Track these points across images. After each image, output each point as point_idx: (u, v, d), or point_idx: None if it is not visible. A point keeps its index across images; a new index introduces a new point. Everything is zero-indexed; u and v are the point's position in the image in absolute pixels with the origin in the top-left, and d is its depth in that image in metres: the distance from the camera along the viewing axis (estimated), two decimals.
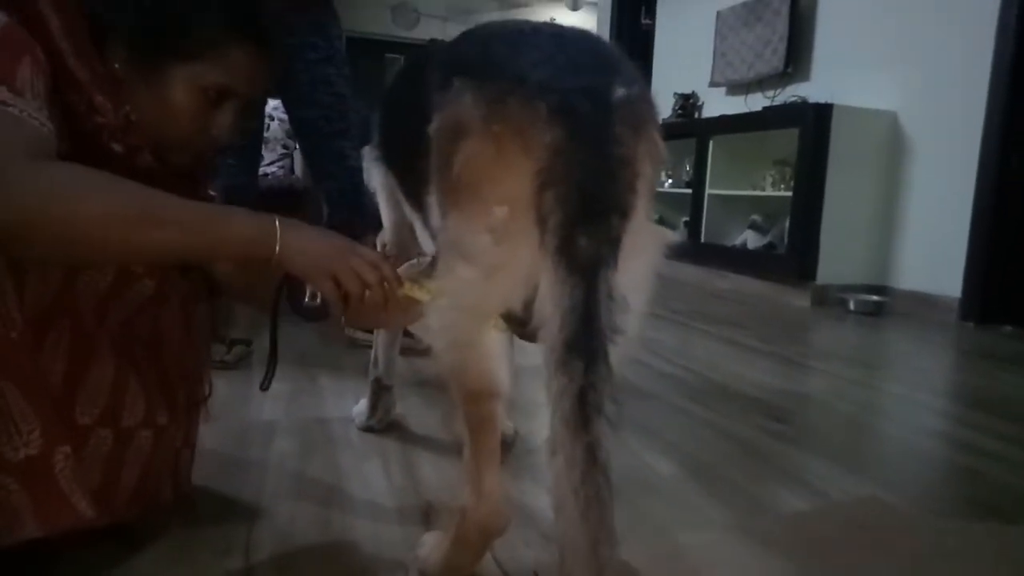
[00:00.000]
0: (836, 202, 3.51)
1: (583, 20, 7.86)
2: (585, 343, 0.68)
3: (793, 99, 3.99)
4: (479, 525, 0.85)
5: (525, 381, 1.51)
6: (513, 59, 0.75)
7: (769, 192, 4.04)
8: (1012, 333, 3.01)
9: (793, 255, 3.63)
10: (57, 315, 0.82)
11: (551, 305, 0.69)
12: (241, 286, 1.11)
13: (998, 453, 1.51)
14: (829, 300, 3.53)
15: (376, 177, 1.25)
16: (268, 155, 4.08)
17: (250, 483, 1.19)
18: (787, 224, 3.73)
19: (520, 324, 0.76)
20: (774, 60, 4.15)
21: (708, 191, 4.28)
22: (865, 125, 3.54)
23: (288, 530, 1.04)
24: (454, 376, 0.83)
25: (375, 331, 1.49)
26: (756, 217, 4.22)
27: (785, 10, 4.04)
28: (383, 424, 1.47)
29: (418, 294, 0.89)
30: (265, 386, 1.03)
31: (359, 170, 2.17)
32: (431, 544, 0.95)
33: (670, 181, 4.86)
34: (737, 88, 4.61)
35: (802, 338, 2.88)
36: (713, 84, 4.72)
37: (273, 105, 3.71)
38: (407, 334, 2.11)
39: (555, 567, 0.94)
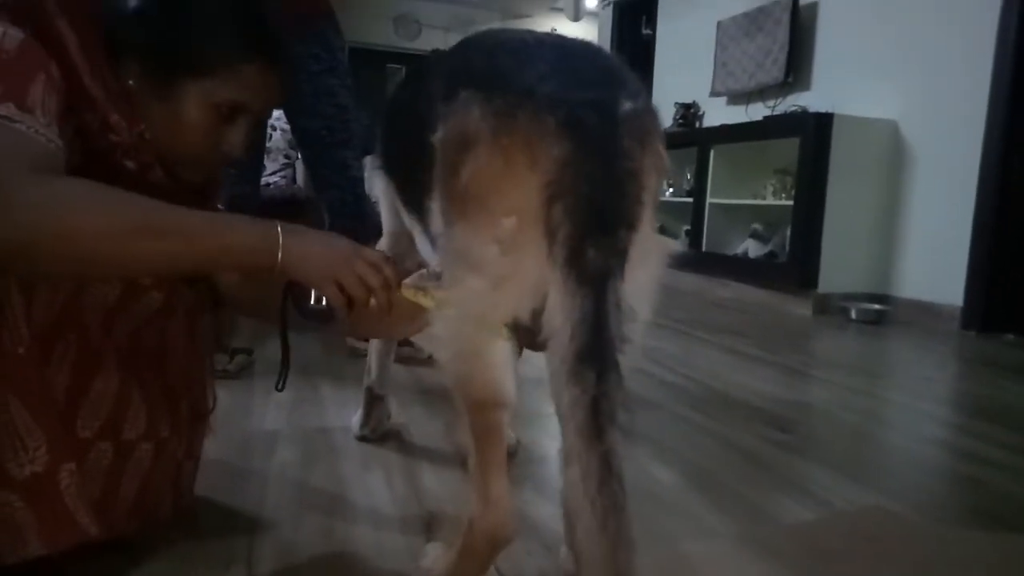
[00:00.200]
0: (837, 211, 3.51)
1: (584, 30, 7.89)
2: (596, 353, 0.68)
3: (794, 108, 4.01)
4: (486, 535, 0.85)
5: (526, 391, 1.51)
6: (520, 71, 0.75)
7: (770, 201, 4.05)
8: (1014, 342, 3.01)
9: (794, 264, 3.63)
10: (64, 328, 0.82)
11: (561, 316, 0.69)
12: (247, 298, 1.11)
13: (1001, 462, 1.51)
14: (831, 309, 3.53)
15: (378, 186, 1.26)
16: (270, 165, 4.10)
17: (252, 493, 1.19)
18: (788, 233, 3.73)
19: (529, 335, 0.77)
20: (775, 70, 4.16)
21: (709, 200, 4.29)
22: (866, 134, 3.55)
23: (291, 541, 1.03)
24: (460, 386, 0.83)
25: (370, 341, 1.49)
26: (757, 226, 4.22)
27: (785, 20, 4.06)
28: (377, 434, 1.47)
29: (421, 300, 0.88)
30: (280, 387, 1.03)
31: (361, 180, 2.17)
32: (435, 555, 0.95)
33: (671, 190, 4.87)
34: (738, 98, 4.63)
35: (804, 347, 2.88)
36: (714, 94, 4.74)
37: (275, 115, 3.73)
38: (408, 344, 2.11)
39: None
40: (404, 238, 1.18)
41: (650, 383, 2.04)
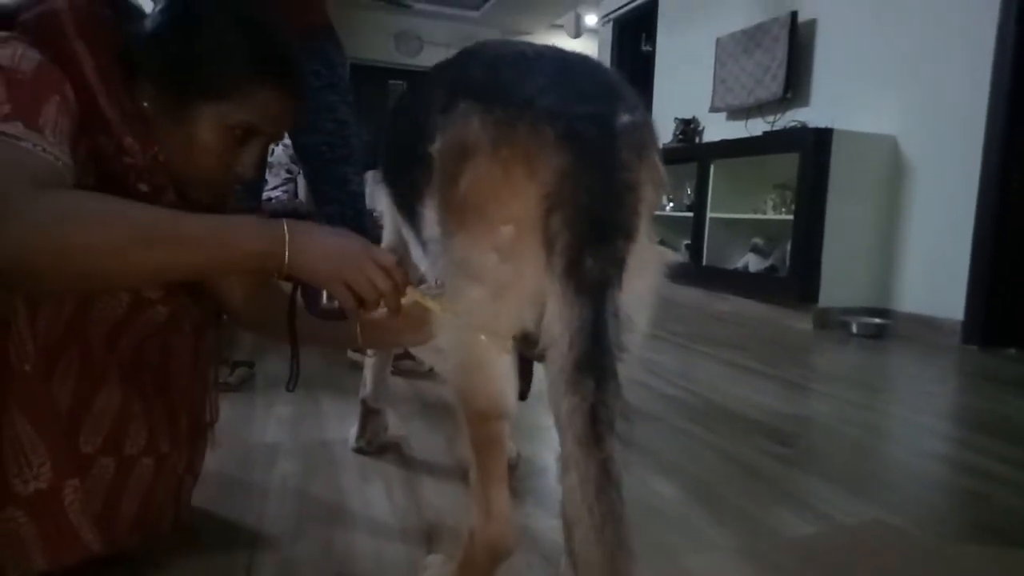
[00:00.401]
0: (837, 225, 3.53)
1: (584, 46, 7.95)
2: (595, 362, 0.69)
3: (793, 124, 4.03)
4: (488, 547, 0.84)
5: (526, 404, 1.51)
6: (519, 83, 0.76)
7: (770, 215, 4.06)
8: (1016, 356, 3.01)
9: (795, 278, 3.64)
10: (68, 343, 0.82)
11: (560, 325, 0.70)
12: (249, 313, 1.11)
13: (1003, 476, 1.51)
14: (831, 323, 3.53)
15: (382, 199, 1.26)
16: (272, 180, 4.12)
17: (252, 506, 1.19)
18: (788, 247, 3.74)
19: (529, 344, 0.77)
20: (773, 86, 4.19)
21: (709, 215, 4.30)
22: (865, 149, 3.56)
23: (291, 553, 1.03)
24: (463, 397, 0.83)
25: (366, 353, 1.49)
26: (757, 240, 4.23)
27: (784, 36, 4.10)
28: (373, 446, 1.47)
29: (428, 304, 0.87)
30: (291, 386, 1.03)
31: (361, 195, 2.19)
32: (435, 567, 0.94)
33: (672, 205, 4.88)
34: (737, 113, 4.65)
35: (804, 361, 2.87)
36: (713, 109, 4.77)
37: None
38: (409, 357, 2.12)
39: None
40: (402, 248, 1.18)
41: (650, 396, 2.04)
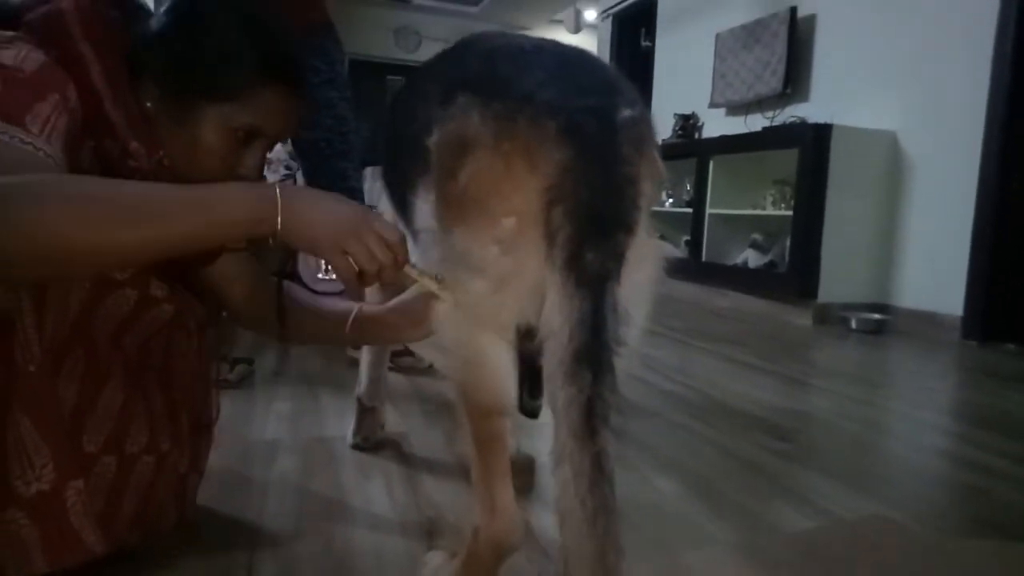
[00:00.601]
0: (836, 221, 3.53)
1: (584, 42, 7.93)
2: (593, 355, 0.69)
3: (792, 119, 4.02)
4: (493, 543, 0.84)
5: None
6: (519, 77, 0.76)
7: (770, 211, 4.06)
8: (1015, 351, 3.01)
9: (794, 274, 3.64)
10: (75, 343, 0.82)
11: (560, 317, 0.70)
12: (250, 311, 1.11)
13: (1003, 471, 1.51)
14: (830, 319, 3.53)
15: (383, 195, 1.26)
16: (271, 175, 4.11)
17: (252, 503, 1.19)
18: (788, 243, 3.74)
19: (528, 338, 0.77)
20: (773, 81, 4.18)
21: (709, 210, 4.30)
22: (864, 145, 3.56)
23: (291, 550, 1.03)
24: (464, 393, 0.83)
25: (362, 350, 1.49)
26: (757, 236, 4.23)
27: (784, 32, 4.09)
28: (370, 443, 1.47)
29: (427, 283, 0.84)
30: (279, 370, 1.01)
31: (360, 190, 2.19)
32: (437, 563, 0.94)
33: (671, 200, 4.88)
34: (737, 109, 4.65)
35: (804, 356, 2.87)
36: (713, 105, 4.76)
37: None
38: (409, 353, 2.12)
39: None
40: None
41: (649, 392, 2.04)
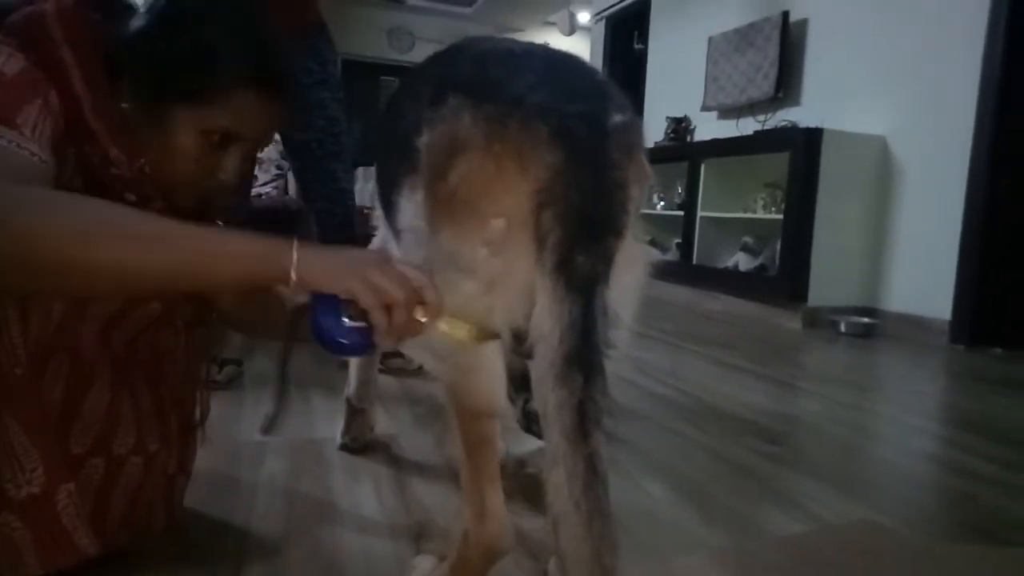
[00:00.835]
0: (827, 225, 3.54)
1: (577, 44, 7.95)
2: (584, 357, 0.69)
3: (784, 123, 4.04)
4: (483, 547, 0.84)
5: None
6: (509, 80, 0.76)
7: (760, 215, 4.07)
8: (1002, 356, 3.03)
9: (784, 277, 3.65)
10: (58, 345, 0.81)
11: (550, 320, 0.70)
12: (239, 313, 1.10)
13: (990, 476, 1.52)
14: (820, 322, 3.54)
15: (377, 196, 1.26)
16: (262, 175, 4.10)
17: (240, 504, 1.18)
18: (778, 246, 3.76)
19: (518, 341, 0.77)
20: (765, 85, 4.20)
21: (700, 213, 4.31)
22: (855, 149, 3.58)
23: (279, 552, 1.03)
24: (454, 396, 0.83)
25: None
26: (748, 239, 4.25)
27: (775, 36, 4.11)
28: (358, 443, 1.47)
29: (457, 331, 0.78)
30: (267, 429, 0.98)
31: (350, 192, 2.18)
32: (426, 568, 0.94)
33: (662, 203, 4.89)
34: (729, 112, 4.66)
35: (793, 360, 2.88)
36: (705, 108, 4.78)
37: None
38: (399, 355, 2.11)
39: None
40: (391, 245, 1.18)
41: (639, 395, 2.04)
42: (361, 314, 0.75)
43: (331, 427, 1.55)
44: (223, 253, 0.72)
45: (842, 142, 3.54)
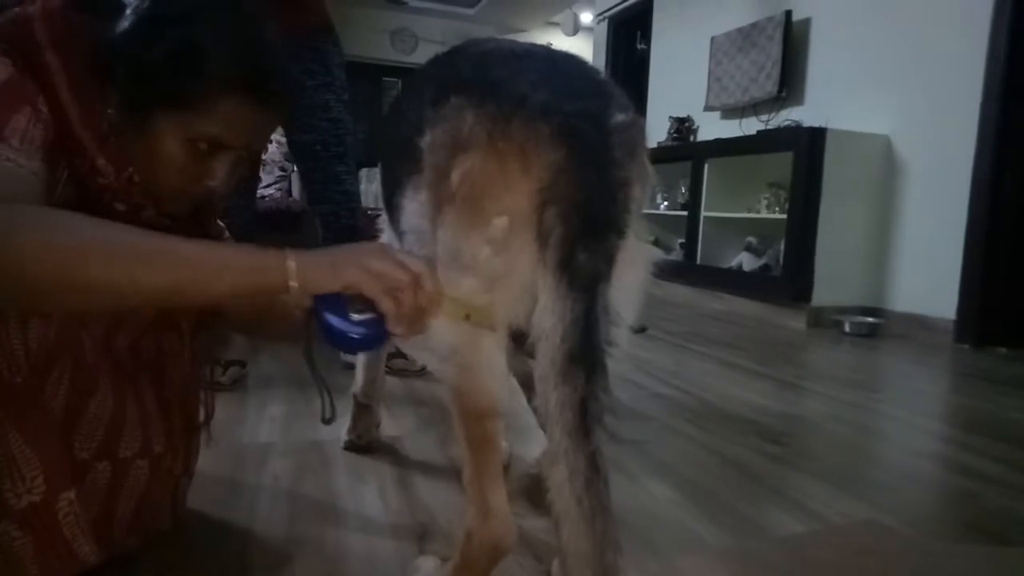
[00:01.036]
0: (831, 224, 3.53)
1: (579, 45, 7.95)
2: (586, 355, 0.70)
3: (787, 123, 4.03)
4: (486, 546, 0.84)
5: (519, 404, 1.51)
6: (512, 80, 0.77)
7: (764, 215, 4.07)
8: (1007, 355, 3.02)
9: (788, 277, 3.65)
10: (61, 351, 0.80)
11: (553, 318, 0.71)
12: (243, 314, 1.10)
13: (995, 476, 1.51)
14: (824, 322, 3.53)
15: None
16: (266, 177, 4.11)
17: (244, 506, 1.18)
18: (782, 246, 3.75)
19: (520, 338, 0.77)
20: (768, 84, 4.19)
21: (704, 213, 4.31)
22: (858, 148, 3.57)
23: (283, 553, 1.03)
24: (458, 395, 0.83)
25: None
26: (751, 239, 4.24)
27: (778, 35, 4.10)
28: (364, 440, 1.47)
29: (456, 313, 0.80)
30: (329, 417, 0.97)
31: (355, 194, 2.18)
32: (429, 569, 0.94)
33: (666, 203, 4.89)
34: (732, 112, 4.66)
35: (797, 360, 2.88)
36: (708, 108, 4.77)
37: None
38: (402, 355, 2.11)
39: None
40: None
41: (643, 395, 2.04)
42: (367, 305, 0.77)
43: (334, 428, 1.55)
44: (219, 268, 0.73)
45: (846, 141, 3.54)
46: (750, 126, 4.40)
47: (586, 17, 7.82)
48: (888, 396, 2.33)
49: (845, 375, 2.63)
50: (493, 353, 0.81)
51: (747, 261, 4.17)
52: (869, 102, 3.69)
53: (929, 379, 2.63)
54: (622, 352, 0.74)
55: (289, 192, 4.31)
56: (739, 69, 4.44)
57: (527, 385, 1.45)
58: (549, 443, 0.70)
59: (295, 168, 4.47)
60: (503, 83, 0.77)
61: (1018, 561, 1.12)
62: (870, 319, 3.44)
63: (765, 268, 4.06)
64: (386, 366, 1.89)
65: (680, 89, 5.20)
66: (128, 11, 0.81)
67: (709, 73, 4.72)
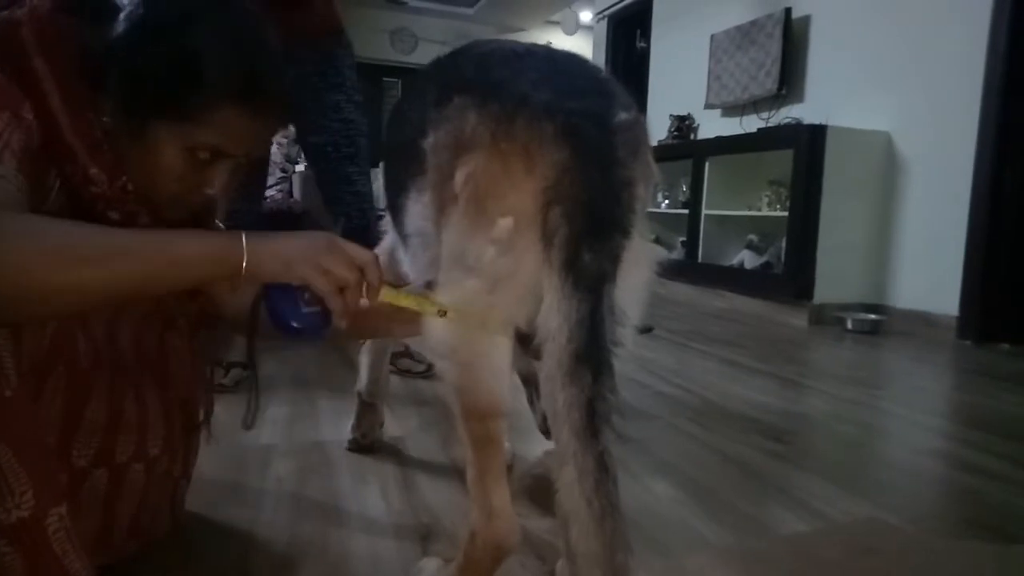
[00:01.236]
0: (832, 222, 3.53)
1: (579, 43, 7.95)
2: (593, 355, 0.70)
3: (787, 120, 4.03)
4: (490, 546, 0.84)
5: (520, 404, 1.51)
6: (514, 80, 0.77)
7: (765, 212, 4.06)
8: (1010, 351, 3.02)
9: (790, 274, 3.64)
10: (55, 360, 0.80)
11: (558, 318, 0.71)
12: (243, 316, 1.10)
13: (998, 473, 1.51)
14: (826, 319, 3.53)
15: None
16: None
17: (247, 508, 1.18)
18: (784, 244, 3.75)
19: (525, 340, 0.77)
20: (768, 82, 4.19)
21: (705, 211, 4.31)
22: (859, 146, 3.57)
23: (285, 555, 1.03)
24: (460, 395, 0.83)
25: (361, 350, 1.49)
26: (753, 237, 4.24)
27: (778, 33, 4.10)
28: (368, 439, 1.47)
29: (401, 301, 0.83)
30: (250, 422, 1.00)
31: (366, 194, 2.19)
32: (432, 570, 0.94)
33: (667, 202, 4.88)
34: (732, 110, 4.65)
35: (800, 357, 2.88)
36: (708, 106, 4.77)
37: None
38: (407, 355, 2.11)
39: None
40: (399, 250, 1.18)
41: (646, 394, 2.04)
42: (316, 299, 0.82)
43: (337, 430, 1.56)
44: (181, 256, 0.75)
45: (846, 138, 3.53)
46: (750, 124, 4.40)
47: (586, 16, 7.81)
48: (890, 393, 2.33)
49: (847, 372, 2.62)
50: (495, 352, 0.81)
51: (748, 259, 4.17)
52: (869, 99, 3.68)
53: (931, 376, 2.63)
54: (627, 352, 0.74)
55: (290, 193, 4.31)
56: (739, 67, 4.44)
57: (528, 381, 1.45)
58: (556, 444, 0.70)
59: (295, 169, 4.47)
60: (505, 83, 0.77)
61: (1021, 558, 1.12)
62: (872, 316, 3.43)
63: (766, 266, 4.05)
64: (391, 365, 1.89)
65: (680, 87, 5.20)
66: (121, 16, 0.79)
67: (709, 71, 4.71)
